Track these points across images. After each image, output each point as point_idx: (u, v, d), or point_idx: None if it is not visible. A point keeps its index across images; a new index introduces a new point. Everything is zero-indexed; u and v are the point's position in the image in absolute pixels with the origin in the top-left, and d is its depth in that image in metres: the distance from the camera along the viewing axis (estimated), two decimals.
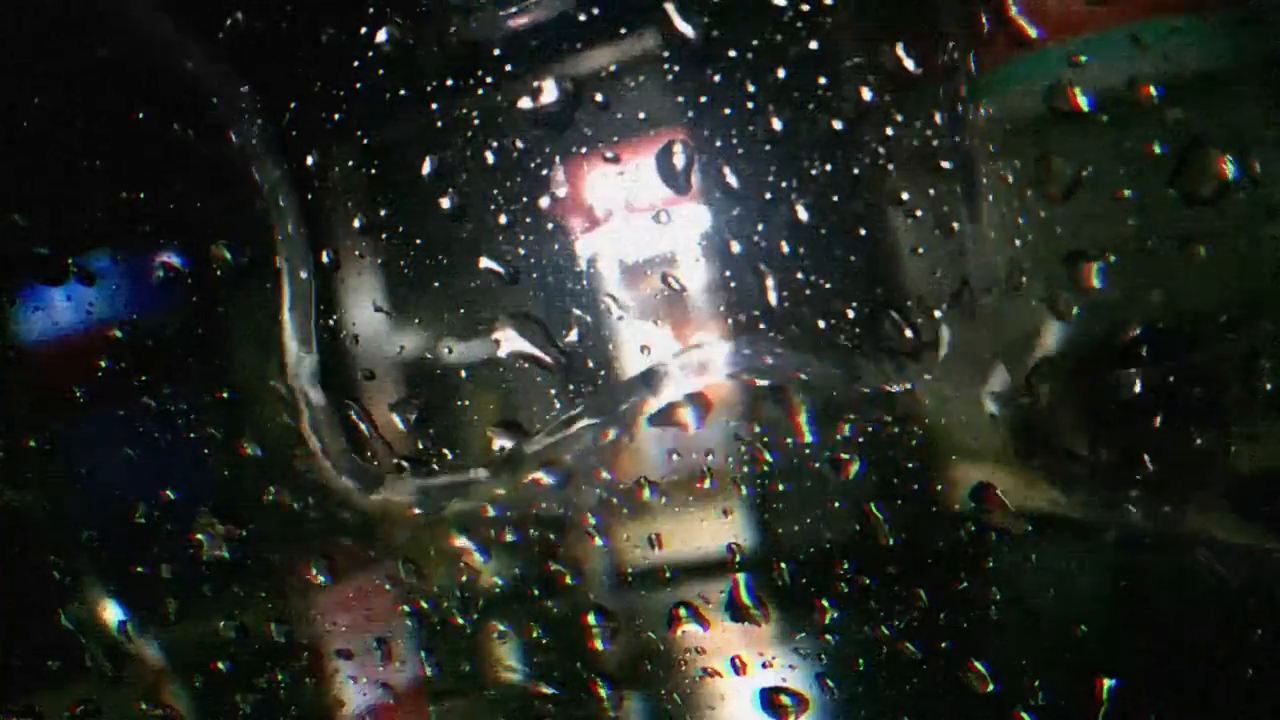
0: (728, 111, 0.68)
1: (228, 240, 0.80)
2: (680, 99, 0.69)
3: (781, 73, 0.67)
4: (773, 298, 0.70)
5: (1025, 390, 0.66)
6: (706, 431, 0.73)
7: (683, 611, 0.76)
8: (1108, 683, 0.67)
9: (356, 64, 0.74)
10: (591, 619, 0.78)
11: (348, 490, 0.78)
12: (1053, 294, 0.63)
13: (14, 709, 0.92)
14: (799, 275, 0.69)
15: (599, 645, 0.78)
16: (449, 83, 0.73)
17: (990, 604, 0.70)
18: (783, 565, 0.73)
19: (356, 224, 0.78)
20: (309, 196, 0.79)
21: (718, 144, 0.68)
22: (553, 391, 0.75)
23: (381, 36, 0.72)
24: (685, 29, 0.67)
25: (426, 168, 0.74)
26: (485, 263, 0.74)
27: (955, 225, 0.65)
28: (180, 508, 0.86)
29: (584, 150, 0.72)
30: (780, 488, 0.73)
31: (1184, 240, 0.60)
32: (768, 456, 0.72)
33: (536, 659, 0.81)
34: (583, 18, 0.69)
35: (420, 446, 0.79)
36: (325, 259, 0.79)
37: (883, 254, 0.68)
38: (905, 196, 0.66)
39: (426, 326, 0.79)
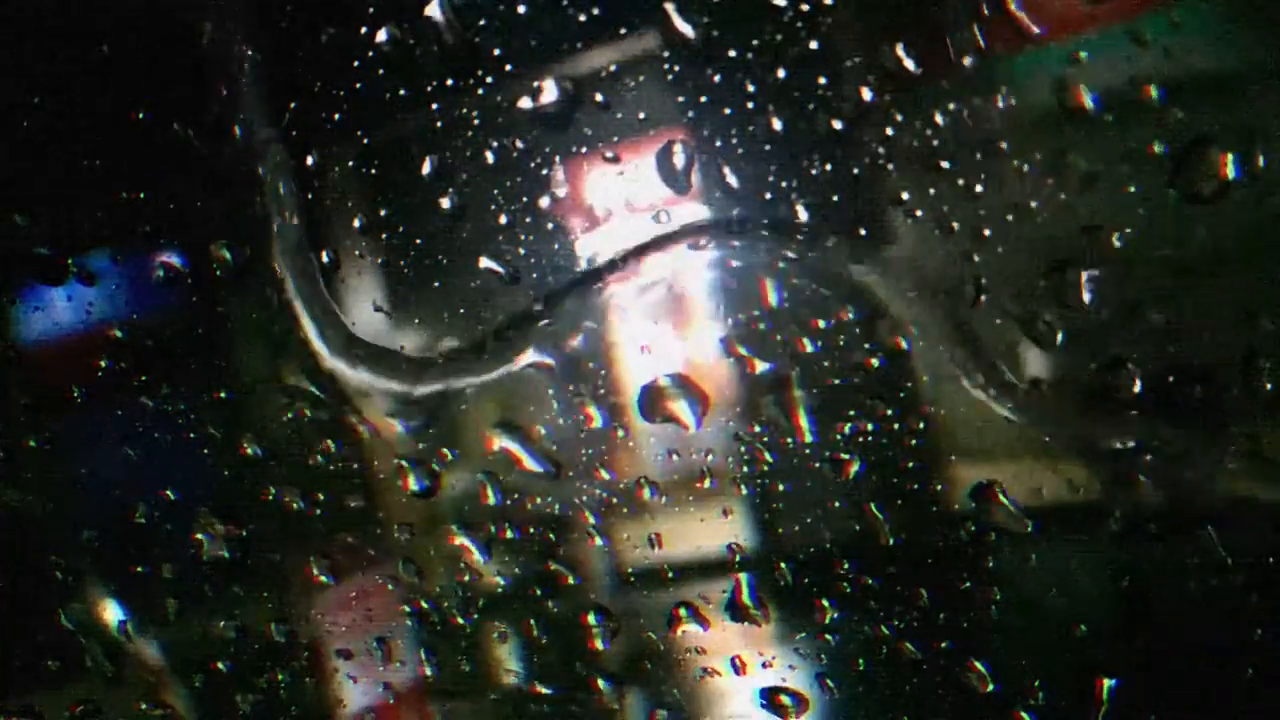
0: (728, 111, 0.68)
1: (228, 240, 0.80)
2: (680, 99, 0.69)
3: (781, 73, 0.66)
4: (773, 298, 0.70)
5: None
6: (706, 431, 0.73)
7: (683, 611, 0.76)
8: (1108, 683, 0.67)
9: (356, 64, 0.74)
10: (591, 619, 0.78)
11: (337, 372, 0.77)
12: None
13: (14, 709, 0.92)
14: (799, 275, 0.69)
15: (599, 645, 0.78)
16: (449, 83, 0.73)
17: (990, 604, 0.70)
18: (783, 565, 0.73)
19: (356, 224, 0.78)
20: (309, 196, 0.79)
21: (718, 144, 0.68)
22: (552, 392, 0.75)
23: (381, 36, 0.72)
24: (685, 29, 0.67)
25: (426, 168, 0.74)
26: (485, 263, 0.74)
27: (955, 225, 0.65)
28: (180, 508, 0.86)
29: (584, 150, 0.72)
30: (780, 488, 0.73)
31: (1184, 240, 0.60)
32: (768, 456, 0.72)
33: (536, 659, 0.81)
34: (583, 18, 0.69)
35: (420, 447, 0.79)
36: (325, 259, 0.79)
37: (883, 254, 0.68)
38: (905, 196, 0.66)
39: (426, 326, 0.79)
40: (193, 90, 0.79)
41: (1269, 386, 0.61)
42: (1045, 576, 0.69)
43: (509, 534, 0.79)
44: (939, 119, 0.64)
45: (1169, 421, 0.64)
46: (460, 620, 0.83)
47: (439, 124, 0.74)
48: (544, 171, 0.72)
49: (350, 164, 0.78)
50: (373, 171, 0.78)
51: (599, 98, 0.69)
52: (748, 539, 0.74)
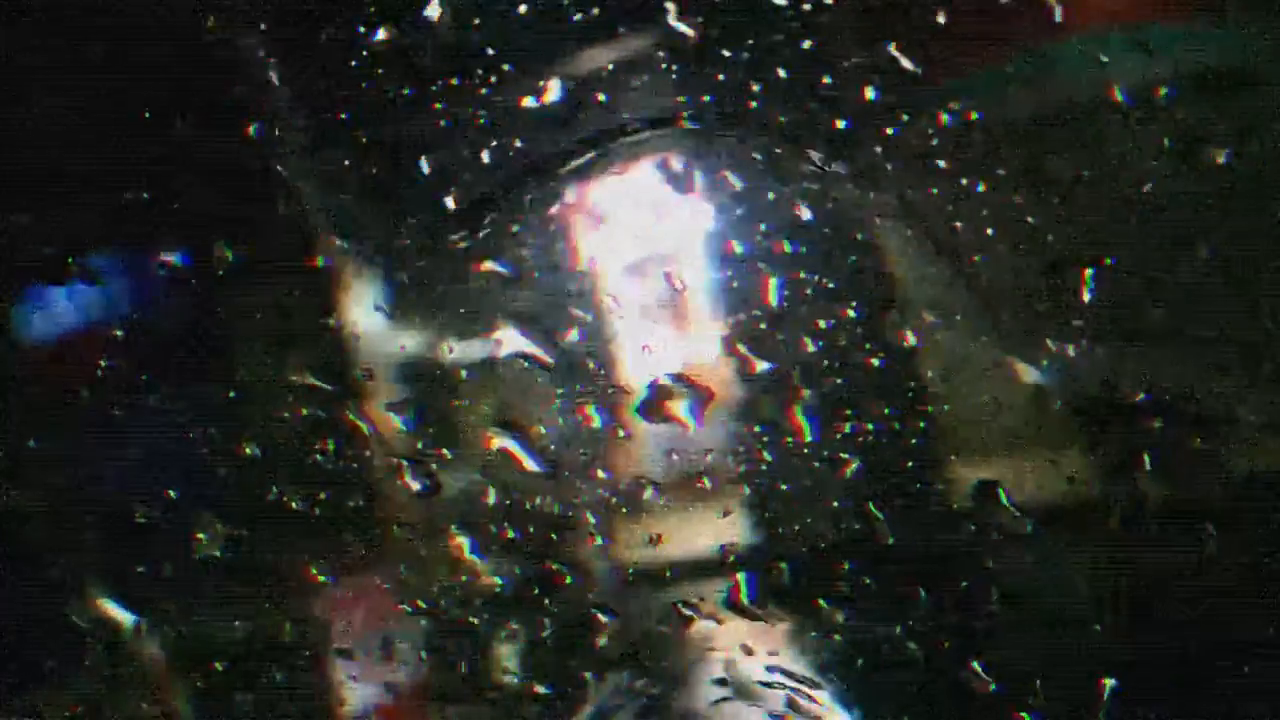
0: (729, 110, 0.68)
1: (229, 240, 0.80)
2: (680, 99, 0.69)
3: (781, 73, 0.67)
4: (773, 298, 0.70)
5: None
6: (706, 431, 0.73)
7: (682, 611, 0.76)
8: (1108, 683, 0.67)
9: (356, 64, 0.74)
10: (590, 618, 0.78)
11: None
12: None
13: (14, 709, 0.92)
14: (799, 275, 0.69)
15: (599, 645, 0.78)
16: (449, 83, 0.73)
17: (990, 604, 0.70)
18: (783, 565, 0.73)
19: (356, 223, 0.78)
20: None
21: (718, 143, 0.68)
22: (551, 392, 0.75)
23: (382, 36, 0.72)
24: (685, 29, 0.67)
25: (426, 168, 0.74)
26: (485, 263, 0.74)
27: (954, 225, 0.65)
28: (180, 508, 0.86)
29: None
30: (780, 488, 0.73)
31: (1183, 241, 0.60)
32: (768, 456, 0.72)
33: (536, 659, 0.81)
34: (583, 18, 0.69)
35: (419, 446, 0.79)
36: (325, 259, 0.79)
37: (883, 254, 0.68)
38: (905, 196, 0.66)
39: (426, 326, 0.79)
40: (195, 88, 0.79)
41: (1269, 386, 0.61)
42: (1045, 576, 0.69)
43: (509, 534, 0.79)
44: (939, 119, 0.64)
45: (1169, 421, 0.64)
46: (459, 620, 0.83)
47: (439, 124, 0.74)
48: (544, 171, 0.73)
49: (350, 164, 0.78)
50: (373, 171, 0.78)
51: (599, 97, 0.70)
52: (747, 539, 0.74)
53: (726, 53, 0.67)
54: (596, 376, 0.74)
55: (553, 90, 0.70)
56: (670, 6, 0.66)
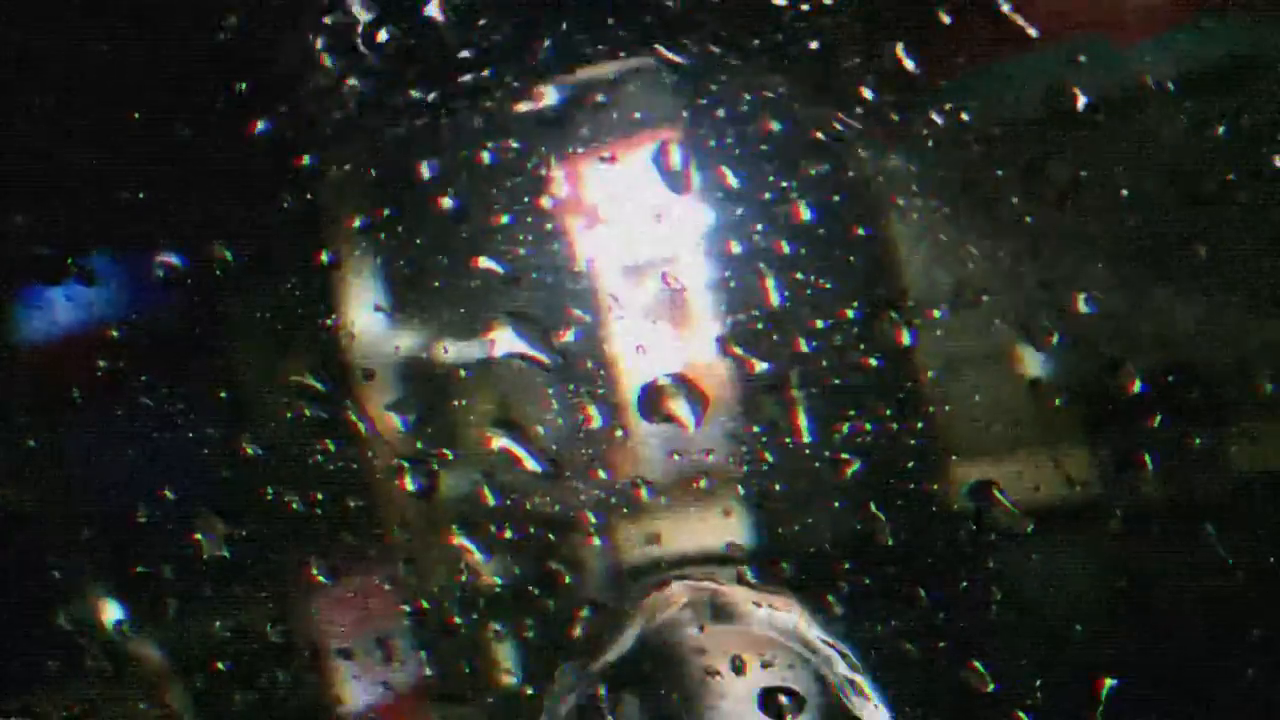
0: (726, 112, 0.68)
1: (228, 240, 0.80)
2: (679, 99, 0.69)
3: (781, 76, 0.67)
4: (773, 298, 0.70)
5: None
6: (706, 431, 0.73)
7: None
8: (1108, 683, 0.67)
9: (356, 64, 0.74)
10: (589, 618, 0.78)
11: None
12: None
13: (14, 709, 0.92)
14: (799, 275, 0.69)
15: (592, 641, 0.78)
16: (449, 83, 0.73)
17: (990, 604, 0.70)
18: (783, 565, 0.73)
19: (356, 224, 0.78)
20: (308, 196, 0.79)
21: (717, 144, 0.68)
22: (551, 392, 0.75)
23: (382, 37, 0.72)
24: (685, 29, 0.67)
25: (426, 168, 0.74)
26: (485, 263, 0.74)
27: (954, 225, 0.65)
28: (180, 508, 0.86)
29: (583, 150, 0.72)
30: (780, 488, 0.73)
31: (1184, 241, 0.60)
32: (768, 456, 0.72)
33: (536, 659, 0.81)
34: (583, 19, 0.69)
35: (419, 446, 0.79)
36: (325, 259, 0.79)
37: (883, 254, 0.68)
38: (905, 197, 0.66)
39: (426, 326, 0.79)
40: (194, 88, 0.79)
41: (1269, 387, 0.61)
42: (1045, 576, 0.69)
43: (508, 534, 0.79)
44: (938, 119, 0.64)
45: (1169, 421, 0.64)
46: (460, 620, 0.83)
47: (439, 124, 0.74)
48: (544, 171, 0.73)
49: (350, 164, 0.78)
50: (373, 171, 0.78)
51: (598, 98, 0.70)
52: (747, 539, 0.74)
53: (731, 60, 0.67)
54: (595, 376, 0.74)
55: (549, 93, 0.70)
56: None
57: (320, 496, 0.82)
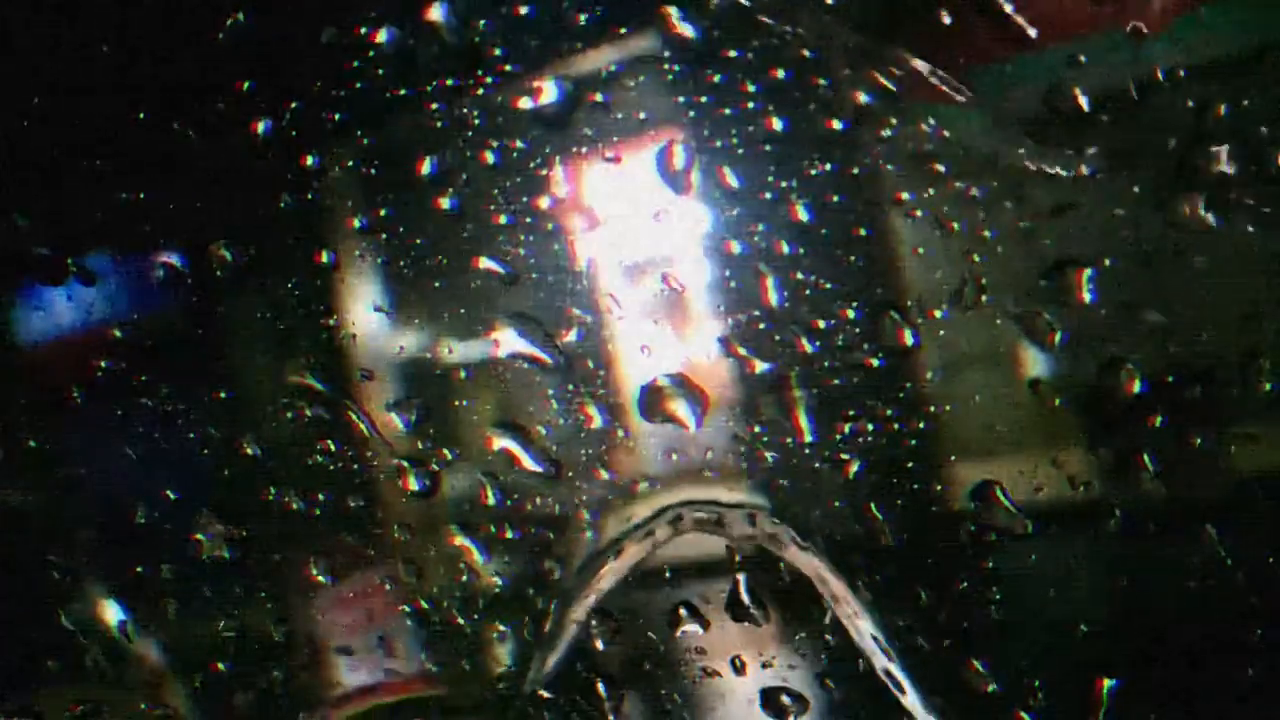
0: (728, 111, 0.68)
1: (227, 240, 0.80)
2: (680, 99, 0.69)
3: (781, 73, 0.67)
4: (773, 298, 0.70)
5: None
6: (706, 431, 0.73)
7: (683, 611, 0.76)
8: (1108, 683, 0.67)
9: (356, 64, 0.74)
10: (592, 620, 0.78)
11: None
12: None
13: (14, 709, 0.92)
14: (799, 275, 0.69)
15: (599, 645, 0.78)
16: (449, 83, 0.73)
17: (990, 604, 0.70)
18: (782, 565, 0.73)
19: (356, 224, 0.78)
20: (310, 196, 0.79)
21: (718, 144, 0.68)
22: (551, 392, 0.75)
23: (382, 36, 0.72)
24: (685, 29, 0.67)
25: (426, 168, 0.74)
26: (485, 263, 0.74)
27: (954, 225, 0.65)
28: (180, 508, 0.86)
29: (584, 150, 0.72)
30: (780, 487, 0.73)
31: (1184, 241, 0.60)
32: (768, 456, 0.72)
33: (536, 659, 0.81)
34: (583, 18, 0.69)
35: (420, 446, 0.79)
36: (325, 259, 0.79)
37: (883, 254, 0.68)
38: (905, 197, 0.66)
39: (426, 326, 0.79)
40: (194, 88, 0.79)
41: (1269, 386, 0.61)
42: (1045, 576, 0.69)
43: (509, 534, 0.79)
44: (937, 120, 0.64)
45: (1169, 421, 0.64)
46: (460, 620, 0.83)
47: (439, 124, 0.74)
48: (544, 171, 0.73)
49: (350, 164, 0.78)
50: (373, 171, 0.78)
51: (599, 98, 0.69)
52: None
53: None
54: (595, 376, 0.74)
55: (550, 91, 0.70)
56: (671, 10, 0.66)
57: (320, 496, 0.82)
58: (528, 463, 0.76)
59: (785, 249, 0.69)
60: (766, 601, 0.74)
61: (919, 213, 0.66)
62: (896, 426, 0.70)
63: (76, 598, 0.91)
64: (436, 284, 0.77)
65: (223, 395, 0.84)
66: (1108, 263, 0.62)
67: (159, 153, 0.81)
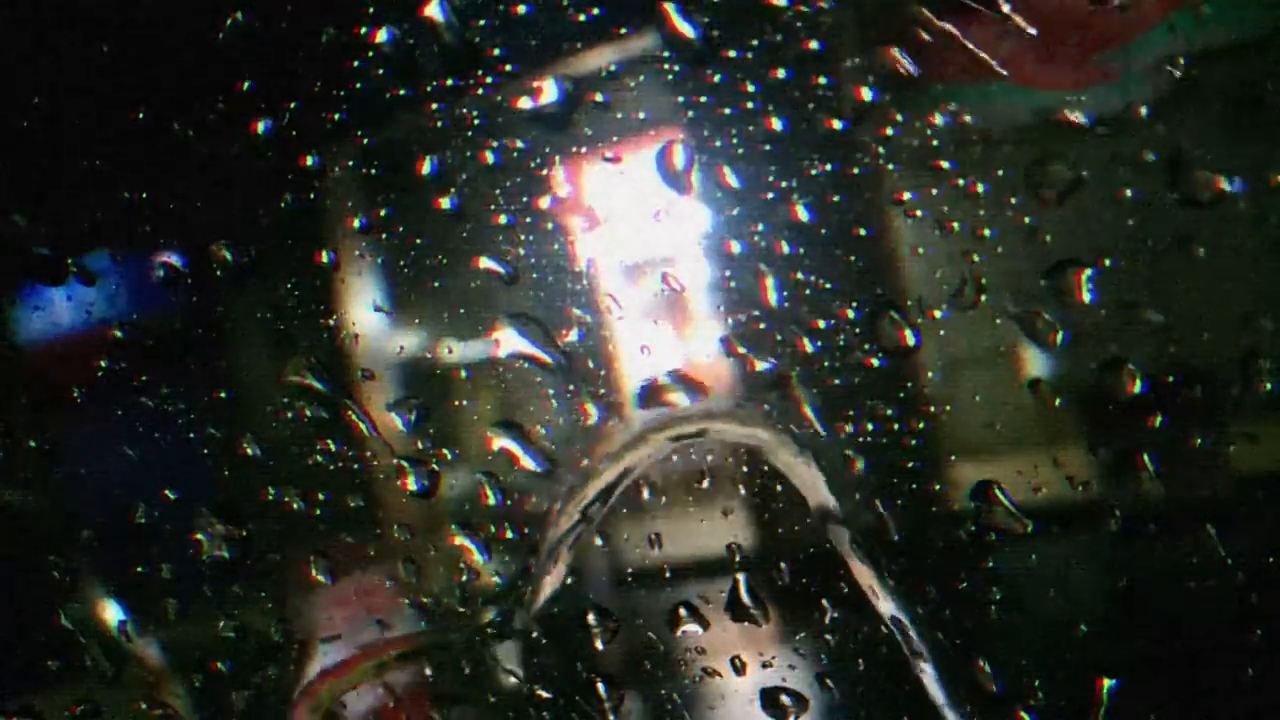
0: (728, 111, 0.68)
1: (228, 240, 0.80)
2: (680, 99, 0.69)
3: (781, 73, 0.67)
4: (773, 298, 0.70)
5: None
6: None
7: (683, 611, 0.76)
8: (1108, 683, 0.67)
9: (356, 64, 0.74)
10: (591, 619, 0.78)
11: None
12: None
13: (14, 709, 0.92)
14: (799, 275, 0.69)
15: (599, 645, 0.78)
16: (449, 83, 0.73)
17: (990, 604, 0.70)
18: (782, 565, 0.73)
19: (356, 224, 0.78)
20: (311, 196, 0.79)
21: (718, 144, 0.68)
22: (552, 392, 0.75)
23: (382, 36, 0.72)
24: (685, 29, 0.67)
25: (426, 168, 0.74)
26: (485, 263, 0.74)
27: (954, 225, 0.65)
28: (180, 508, 0.86)
29: (584, 150, 0.72)
30: (780, 488, 0.73)
31: (1183, 241, 0.60)
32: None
33: (536, 659, 0.81)
34: (583, 18, 0.69)
35: (420, 446, 0.79)
36: (325, 259, 0.79)
37: (883, 254, 0.68)
38: (905, 196, 0.66)
39: (426, 326, 0.79)
40: (194, 88, 0.79)
41: (1269, 386, 0.61)
42: (1045, 576, 0.69)
43: (509, 534, 0.79)
44: (938, 120, 0.64)
45: (1169, 421, 0.64)
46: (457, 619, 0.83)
47: (439, 124, 0.74)
48: (544, 171, 0.72)
49: (350, 164, 0.78)
50: (373, 171, 0.78)
51: (599, 98, 0.69)
52: (747, 539, 0.74)
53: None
54: (596, 376, 0.74)
55: (550, 91, 0.70)
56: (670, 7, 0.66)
57: (320, 496, 0.82)
58: (527, 462, 0.76)
59: (785, 249, 0.69)
60: (766, 601, 0.74)
61: (919, 213, 0.66)
62: (896, 426, 0.70)
63: (76, 598, 0.91)
64: (436, 284, 0.77)
65: (223, 395, 0.84)
66: (1108, 263, 0.62)
67: (159, 153, 0.80)
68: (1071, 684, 0.68)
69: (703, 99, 0.68)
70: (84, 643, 0.91)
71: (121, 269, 0.86)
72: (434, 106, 0.73)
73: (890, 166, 0.66)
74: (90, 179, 0.84)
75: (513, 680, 0.82)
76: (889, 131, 0.65)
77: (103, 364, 0.85)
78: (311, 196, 0.79)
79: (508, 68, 0.71)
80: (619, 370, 0.74)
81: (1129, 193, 0.61)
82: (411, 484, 0.79)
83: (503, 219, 0.74)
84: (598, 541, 0.77)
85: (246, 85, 0.77)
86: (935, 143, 0.64)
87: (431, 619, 0.83)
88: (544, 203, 0.73)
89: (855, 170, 0.67)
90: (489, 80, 0.72)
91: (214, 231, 0.80)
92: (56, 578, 0.91)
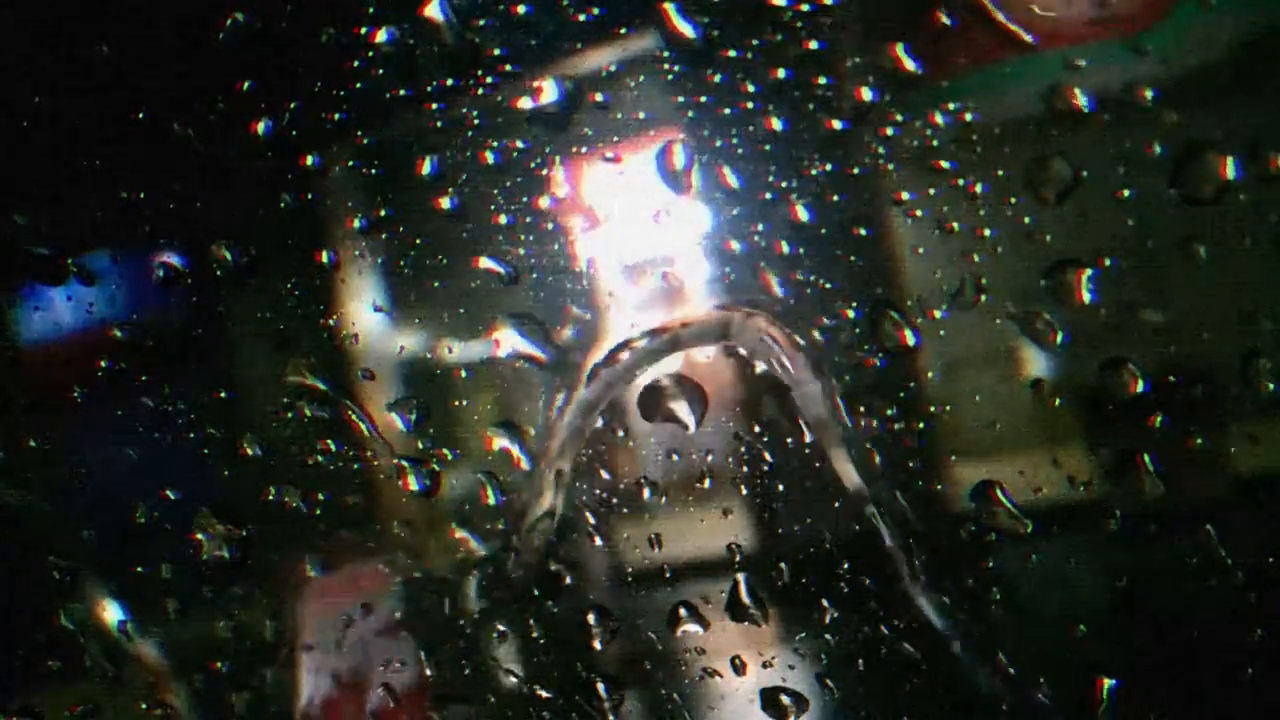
0: (728, 111, 0.68)
1: (228, 240, 0.80)
2: (680, 99, 0.69)
3: (781, 73, 0.67)
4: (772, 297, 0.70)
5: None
6: (706, 431, 0.73)
7: (683, 612, 0.76)
8: (1108, 683, 0.67)
9: (356, 64, 0.74)
10: (591, 619, 0.78)
11: None
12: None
13: (14, 709, 0.92)
14: (799, 275, 0.69)
15: (599, 645, 0.78)
16: (449, 83, 0.73)
17: (990, 604, 0.70)
18: (782, 565, 0.73)
19: (356, 224, 0.78)
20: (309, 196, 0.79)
21: (718, 144, 0.68)
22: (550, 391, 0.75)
23: (382, 36, 0.72)
24: (685, 29, 0.67)
25: (426, 168, 0.74)
26: (485, 263, 0.74)
27: (954, 225, 0.65)
28: (180, 508, 0.86)
29: (584, 150, 0.72)
30: (780, 488, 0.73)
31: (1183, 241, 0.60)
32: (768, 456, 0.72)
33: (536, 660, 0.81)
34: (583, 18, 0.69)
35: (420, 446, 0.79)
36: (325, 259, 0.79)
37: (883, 254, 0.68)
38: (905, 196, 0.66)
39: (426, 326, 0.79)
40: (194, 88, 0.79)
41: (1269, 386, 0.61)
42: (1045, 576, 0.69)
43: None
44: (938, 119, 0.64)
45: (1169, 421, 0.64)
46: (459, 620, 0.83)
47: (439, 124, 0.74)
48: (544, 171, 0.73)
49: (350, 164, 0.78)
50: (373, 171, 0.78)
51: (599, 98, 0.69)
52: (747, 539, 0.74)
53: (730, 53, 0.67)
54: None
55: (550, 91, 0.70)
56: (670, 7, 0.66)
57: (320, 496, 0.82)
58: (527, 463, 0.76)
59: (785, 249, 0.69)
60: (766, 601, 0.74)
61: (919, 213, 0.66)
62: (896, 427, 0.70)
63: (76, 598, 0.91)
64: (436, 284, 0.77)
65: (223, 395, 0.84)
66: (1108, 263, 0.62)
67: (159, 153, 0.80)
68: (1071, 684, 0.68)
69: (703, 99, 0.68)
70: (84, 643, 0.91)
71: (121, 269, 0.86)
72: (434, 106, 0.73)
73: (890, 166, 0.66)
74: (90, 179, 0.84)
75: (513, 680, 0.82)
76: (889, 131, 0.65)
77: (103, 364, 0.85)
78: (311, 196, 0.79)
79: (508, 68, 0.71)
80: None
81: (1128, 192, 0.61)
82: (412, 484, 0.79)
83: (503, 219, 0.74)
84: (598, 542, 0.77)
85: (246, 85, 0.77)
86: (935, 143, 0.64)
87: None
88: (544, 203, 0.73)
89: (855, 170, 0.67)
90: (489, 80, 0.72)
91: (214, 231, 0.80)
92: (56, 578, 0.91)
